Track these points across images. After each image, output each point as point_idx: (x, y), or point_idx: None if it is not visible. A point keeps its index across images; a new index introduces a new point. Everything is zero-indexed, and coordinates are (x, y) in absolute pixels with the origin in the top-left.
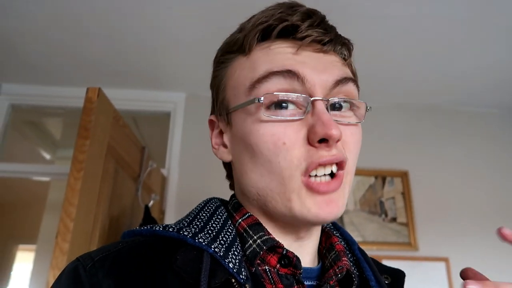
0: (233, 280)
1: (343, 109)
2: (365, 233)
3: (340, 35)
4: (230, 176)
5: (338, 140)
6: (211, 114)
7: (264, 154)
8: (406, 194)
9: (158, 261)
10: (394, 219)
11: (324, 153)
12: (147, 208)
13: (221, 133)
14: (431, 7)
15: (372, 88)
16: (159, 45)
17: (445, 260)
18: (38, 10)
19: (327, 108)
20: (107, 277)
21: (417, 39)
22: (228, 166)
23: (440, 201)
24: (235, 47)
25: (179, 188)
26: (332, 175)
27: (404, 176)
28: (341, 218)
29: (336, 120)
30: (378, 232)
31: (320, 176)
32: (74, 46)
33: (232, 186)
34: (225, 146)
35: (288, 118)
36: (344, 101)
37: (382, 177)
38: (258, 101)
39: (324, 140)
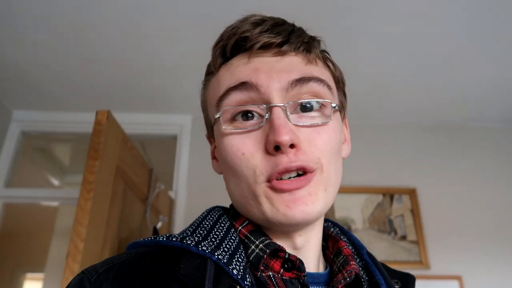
0: (238, 287)
1: (312, 111)
2: (375, 251)
3: (302, 34)
4: None
5: (293, 146)
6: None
7: (231, 164)
8: (415, 212)
9: (162, 270)
10: (404, 237)
11: (283, 160)
12: (155, 230)
13: (215, 147)
14: (437, 25)
15: (379, 106)
16: (165, 69)
17: (458, 278)
18: (47, 39)
19: (286, 112)
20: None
21: (423, 56)
22: None
23: (450, 218)
24: (209, 69)
25: (187, 210)
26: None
27: (412, 193)
28: None
29: (297, 124)
30: (389, 251)
31: (285, 179)
32: (83, 72)
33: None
34: (217, 159)
35: (248, 128)
36: (303, 103)
37: (390, 194)
38: (218, 116)
39: (279, 147)
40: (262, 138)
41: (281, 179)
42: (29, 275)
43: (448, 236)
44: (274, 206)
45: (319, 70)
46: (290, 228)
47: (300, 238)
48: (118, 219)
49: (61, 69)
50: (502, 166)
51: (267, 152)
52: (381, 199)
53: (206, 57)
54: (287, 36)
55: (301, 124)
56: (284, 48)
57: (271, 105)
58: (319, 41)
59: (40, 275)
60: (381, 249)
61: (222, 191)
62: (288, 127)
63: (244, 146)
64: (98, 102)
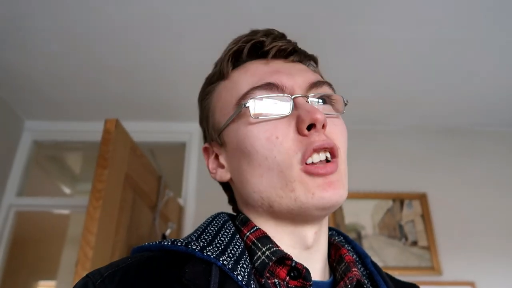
0: None
1: (326, 105)
2: (386, 258)
3: (301, 49)
4: (232, 199)
5: (324, 126)
6: (204, 144)
7: (260, 152)
8: (425, 217)
9: (166, 275)
10: (415, 243)
11: (318, 138)
12: (164, 237)
13: (216, 157)
14: (448, 30)
15: (389, 111)
16: (173, 77)
17: (471, 284)
18: (58, 50)
19: (308, 103)
20: None
21: (433, 61)
22: (228, 189)
23: (461, 223)
24: (214, 78)
25: (196, 217)
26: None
27: (422, 198)
28: (360, 242)
29: None
30: (400, 257)
31: (316, 162)
32: (93, 82)
33: (235, 210)
34: (222, 166)
35: (277, 115)
36: (321, 96)
37: (400, 200)
38: (245, 106)
39: (312, 126)
40: (291, 123)
41: (312, 163)
42: (41, 282)
43: (460, 241)
44: (310, 191)
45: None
46: (322, 213)
47: (314, 235)
48: (127, 226)
49: (71, 79)
50: None
51: (299, 134)
52: (391, 204)
53: (212, 65)
54: (294, 46)
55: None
56: (293, 57)
57: (296, 95)
58: (317, 58)
59: (52, 283)
60: (392, 255)
61: None
62: (318, 109)
63: (277, 130)
64: (108, 111)
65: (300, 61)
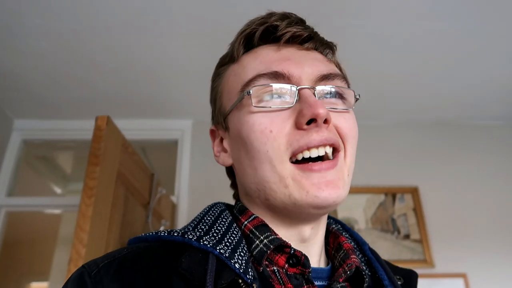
0: (240, 281)
1: (336, 99)
2: (379, 251)
3: (320, 35)
4: (234, 184)
5: (327, 121)
6: (211, 125)
7: (254, 144)
8: (417, 210)
9: (163, 265)
10: (407, 236)
11: (314, 136)
12: None
13: (221, 140)
14: (436, 23)
15: (380, 106)
16: (165, 75)
17: (463, 276)
18: (47, 47)
19: (315, 96)
20: (113, 282)
21: (422, 55)
22: (231, 174)
23: (453, 216)
24: (226, 59)
25: (189, 214)
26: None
27: (414, 192)
28: None
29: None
30: (392, 250)
31: (314, 157)
32: (83, 79)
33: (236, 195)
34: (225, 151)
35: (277, 107)
36: (331, 90)
37: (392, 194)
38: (248, 93)
39: (312, 121)
40: (291, 116)
41: (309, 157)
42: (33, 284)
43: (451, 234)
44: (304, 189)
45: (337, 70)
46: (319, 211)
47: (311, 230)
48: (119, 224)
49: (61, 77)
50: (504, 164)
51: (296, 128)
52: (384, 198)
53: (206, 62)
54: (312, 33)
55: (328, 107)
56: (308, 44)
57: (302, 86)
58: (336, 46)
59: (45, 284)
60: (385, 248)
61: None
62: (323, 104)
63: (273, 124)
64: (99, 109)
65: (316, 49)
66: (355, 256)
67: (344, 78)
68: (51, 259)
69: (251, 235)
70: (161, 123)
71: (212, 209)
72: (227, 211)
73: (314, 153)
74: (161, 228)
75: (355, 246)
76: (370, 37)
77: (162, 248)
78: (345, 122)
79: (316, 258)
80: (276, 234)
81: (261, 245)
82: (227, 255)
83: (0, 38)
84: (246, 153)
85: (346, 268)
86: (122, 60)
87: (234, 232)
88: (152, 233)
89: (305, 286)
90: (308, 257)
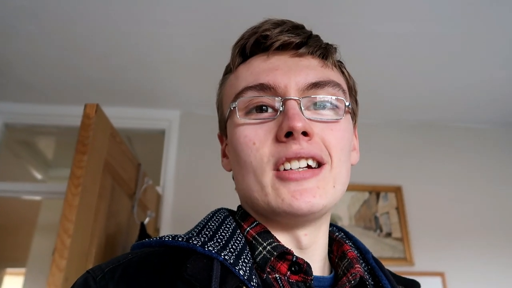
0: (244, 287)
1: (325, 109)
2: None
3: (319, 39)
4: None
5: (308, 134)
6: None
7: (241, 155)
8: (400, 209)
9: (168, 271)
10: (389, 234)
11: (293, 148)
12: (143, 225)
13: (226, 146)
14: (424, 25)
15: (366, 105)
16: (154, 63)
17: (441, 274)
18: (33, 29)
19: (300, 106)
20: (118, 287)
21: (409, 56)
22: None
23: (434, 216)
24: (227, 69)
25: (174, 205)
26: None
27: (398, 191)
28: None
29: (310, 119)
30: (374, 248)
31: (295, 169)
32: (69, 64)
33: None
34: (227, 157)
35: (261, 120)
36: (318, 100)
37: (376, 192)
38: (233, 107)
39: (290, 134)
40: (274, 128)
41: (290, 169)
42: (9, 270)
43: (432, 233)
44: (280, 197)
45: (334, 75)
46: (295, 220)
47: (305, 238)
48: (105, 214)
49: (46, 61)
50: (485, 166)
51: (277, 140)
52: (368, 196)
53: (197, 53)
54: (306, 38)
55: (314, 118)
56: (302, 50)
57: (286, 97)
58: (335, 48)
59: (22, 270)
60: (367, 246)
61: (209, 187)
62: (302, 117)
63: (256, 136)
64: (84, 95)
65: (311, 54)
66: (359, 265)
67: (337, 84)
68: (29, 246)
69: (254, 241)
70: (148, 113)
71: (216, 214)
72: (230, 217)
73: (295, 165)
74: (147, 220)
75: (359, 255)
76: (357, 36)
77: (167, 254)
78: (332, 134)
79: (319, 264)
80: (278, 241)
81: (265, 252)
82: (231, 261)
83: None
84: (237, 162)
85: (350, 277)
86: (111, 46)
87: (238, 238)
88: (156, 238)
89: None
90: (310, 264)
